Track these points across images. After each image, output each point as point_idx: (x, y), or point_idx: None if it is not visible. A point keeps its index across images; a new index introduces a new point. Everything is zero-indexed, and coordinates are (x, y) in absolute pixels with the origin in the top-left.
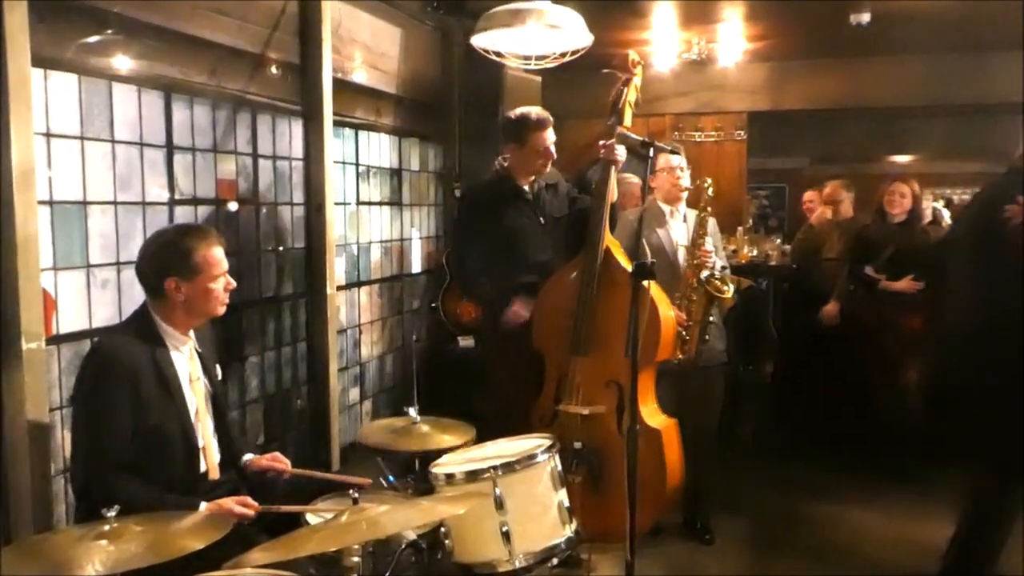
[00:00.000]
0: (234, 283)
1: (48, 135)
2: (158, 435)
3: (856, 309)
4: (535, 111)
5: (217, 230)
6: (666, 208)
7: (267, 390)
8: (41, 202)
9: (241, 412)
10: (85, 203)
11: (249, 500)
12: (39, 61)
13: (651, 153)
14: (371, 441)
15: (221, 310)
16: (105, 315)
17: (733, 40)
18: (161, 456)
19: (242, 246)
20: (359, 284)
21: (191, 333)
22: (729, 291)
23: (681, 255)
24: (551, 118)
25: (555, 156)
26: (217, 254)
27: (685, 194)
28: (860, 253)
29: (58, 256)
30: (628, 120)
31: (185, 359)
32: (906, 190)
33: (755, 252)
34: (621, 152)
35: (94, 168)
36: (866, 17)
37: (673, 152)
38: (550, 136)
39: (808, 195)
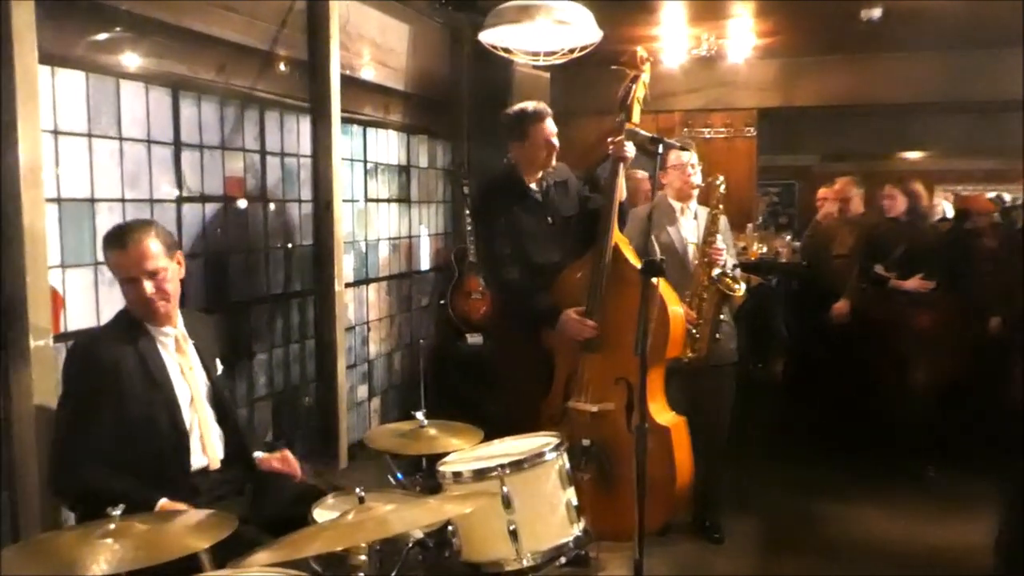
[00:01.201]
0: (155, 288)
1: (56, 132)
2: (145, 425)
3: (867, 307)
4: (532, 104)
5: (225, 227)
6: (676, 205)
7: (275, 387)
8: (49, 199)
9: (250, 409)
10: (93, 200)
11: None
12: (46, 58)
13: (660, 150)
14: (378, 445)
15: (153, 313)
16: (112, 312)
17: (743, 36)
18: (149, 446)
19: (250, 243)
20: (367, 281)
21: (178, 324)
22: (740, 289)
23: (691, 253)
24: (549, 109)
25: (558, 146)
26: (117, 258)
27: (696, 191)
28: (870, 251)
29: (66, 253)
30: (637, 117)
31: (172, 350)
32: (895, 192)
33: (765, 249)
34: (630, 149)
35: (102, 165)
36: (877, 13)
37: (683, 148)
38: (551, 126)
39: (822, 192)
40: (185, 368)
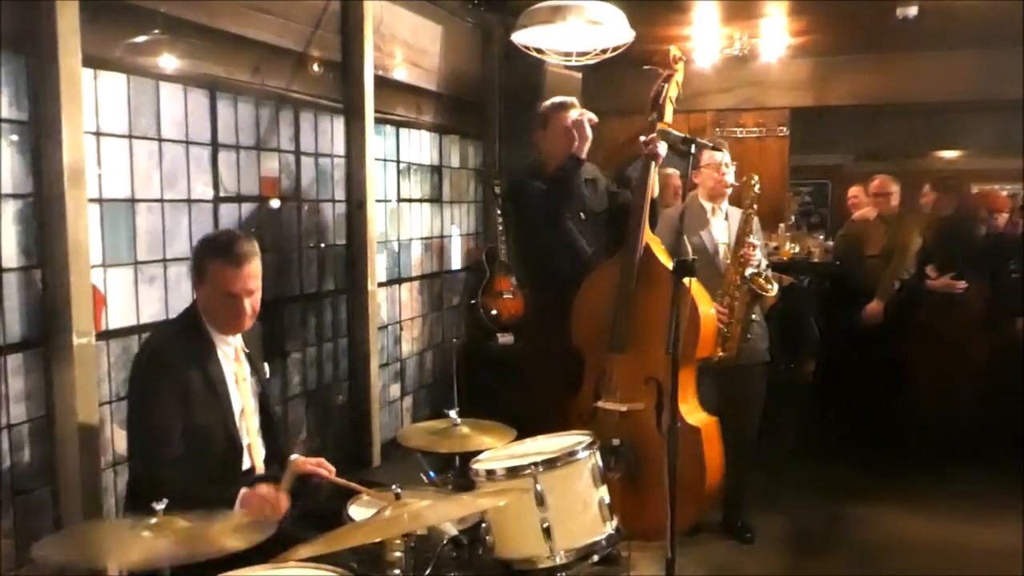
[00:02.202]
0: (251, 307)
1: (98, 134)
2: (203, 434)
3: (900, 307)
4: (557, 98)
5: (259, 227)
6: (708, 205)
7: (308, 386)
8: (91, 200)
9: (283, 408)
10: (133, 201)
11: (283, 500)
12: (89, 61)
13: (693, 150)
14: (411, 443)
15: (236, 328)
16: (152, 311)
17: (776, 35)
18: (205, 454)
19: (284, 243)
20: (400, 281)
21: (237, 335)
22: (773, 289)
23: (723, 253)
24: (576, 102)
25: (579, 138)
26: (226, 271)
27: (729, 190)
28: (928, 250)
29: (107, 253)
30: (669, 116)
31: (231, 360)
32: (926, 190)
33: (797, 249)
34: (662, 148)
35: (141, 166)
36: (913, 11)
37: (715, 148)
38: (572, 115)
39: (853, 190)
40: (240, 378)
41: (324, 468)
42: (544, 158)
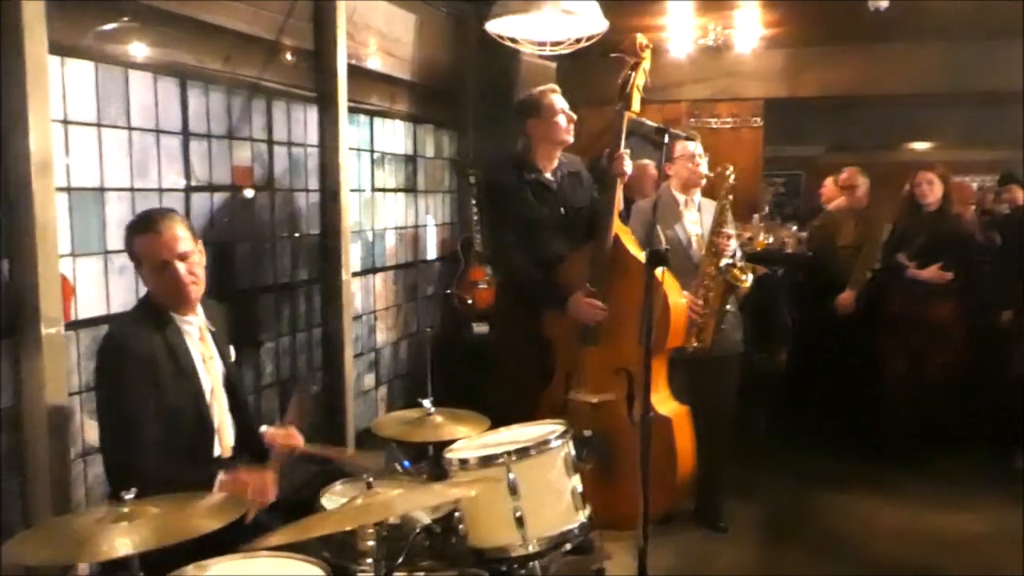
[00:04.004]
0: (187, 271)
1: (65, 122)
2: (174, 416)
3: (872, 297)
4: (543, 86)
5: (232, 216)
6: (681, 197)
7: (282, 375)
8: (59, 189)
9: (257, 397)
10: (102, 190)
11: (270, 482)
12: (56, 49)
13: (666, 140)
14: (386, 432)
15: (185, 299)
16: (122, 301)
17: (750, 26)
18: (178, 436)
19: (258, 232)
20: (374, 271)
21: (198, 312)
22: (748, 280)
23: (695, 245)
24: (558, 88)
25: (575, 118)
26: (149, 242)
27: (703, 181)
28: (895, 240)
29: (76, 242)
30: (637, 105)
31: (196, 340)
32: (933, 177)
33: (771, 240)
34: (628, 166)
35: (111, 155)
36: (884, 3)
37: (688, 139)
38: (561, 100)
39: (829, 181)
40: (207, 357)
41: (292, 437)
42: (536, 153)
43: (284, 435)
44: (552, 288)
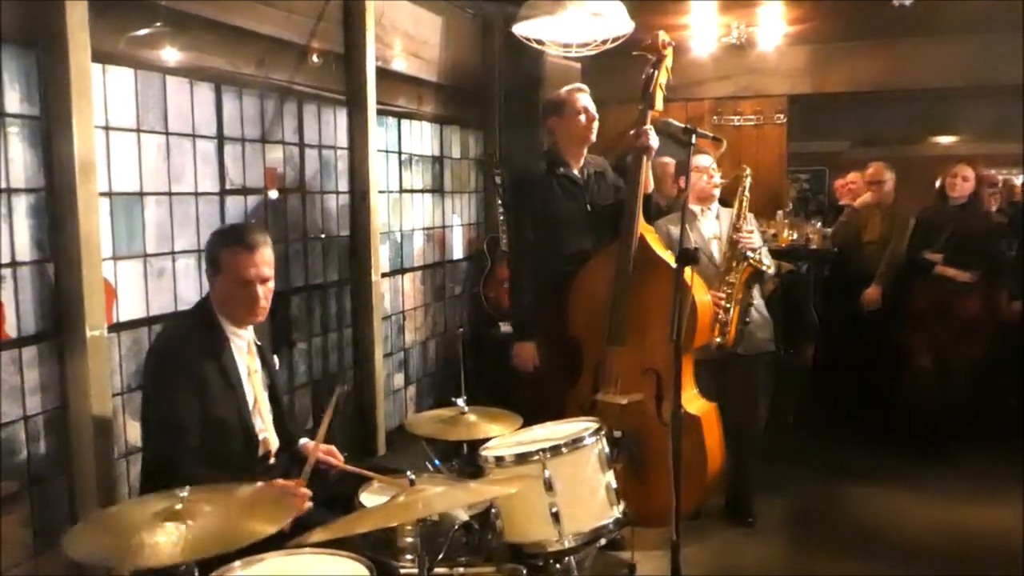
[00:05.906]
0: (265, 296)
1: (107, 128)
2: (219, 427)
3: (899, 292)
4: (569, 85)
5: (264, 219)
6: (697, 209)
7: (314, 375)
8: (101, 193)
9: (290, 396)
10: (142, 194)
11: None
12: (98, 56)
13: (693, 140)
14: (420, 431)
15: (251, 319)
16: (161, 303)
17: (773, 23)
18: (222, 446)
19: (289, 234)
20: (402, 271)
21: (249, 328)
22: (771, 267)
23: (715, 248)
24: (586, 88)
25: (596, 117)
26: (240, 257)
27: (718, 191)
28: (919, 236)
29: (117, 246)
30: (660, 103)
31: (244, 353)
32: (969, 173)
33: (795, 236)
34: (654, 140)
35: (149, 159)
36: None
37: (715, 139)
38: (585, 98)
39: (851, 176)
40: (252, 371)
41: (334, 457)
42: (562, 151)
43: (325, 452)
44: (528, 322)
